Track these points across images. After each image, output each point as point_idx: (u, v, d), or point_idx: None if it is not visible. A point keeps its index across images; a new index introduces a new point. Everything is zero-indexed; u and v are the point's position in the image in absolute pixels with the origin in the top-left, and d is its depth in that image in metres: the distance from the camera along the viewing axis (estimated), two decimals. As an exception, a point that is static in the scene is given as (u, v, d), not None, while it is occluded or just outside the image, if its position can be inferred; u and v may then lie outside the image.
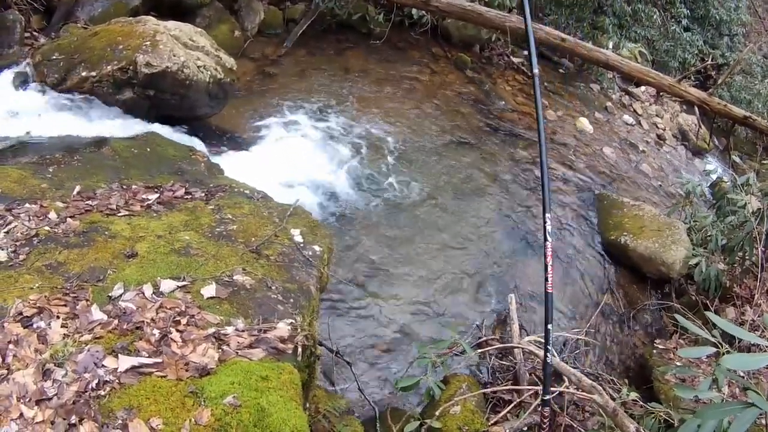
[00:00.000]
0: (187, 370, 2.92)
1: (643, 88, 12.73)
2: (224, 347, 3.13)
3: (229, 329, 3.26)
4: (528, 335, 6.48)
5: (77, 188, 4.42)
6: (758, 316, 7.18)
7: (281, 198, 5.02)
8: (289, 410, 2.90)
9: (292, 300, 3.70)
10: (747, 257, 7.56)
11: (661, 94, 12.35)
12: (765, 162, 10.61)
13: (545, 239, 4.47)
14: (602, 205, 8.72)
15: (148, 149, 5.35)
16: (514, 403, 5.72)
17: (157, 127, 6.31)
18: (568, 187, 8.88)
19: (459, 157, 8.64)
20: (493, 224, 7.82)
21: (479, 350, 5.94)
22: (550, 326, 4.26)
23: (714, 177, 11.11)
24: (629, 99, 12.50)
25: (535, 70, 4.39)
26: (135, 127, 6.18)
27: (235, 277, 3.69)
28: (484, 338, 6.38)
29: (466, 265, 7.15)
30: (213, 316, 3.30)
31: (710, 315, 3.46)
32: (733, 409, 2.99)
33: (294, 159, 7.48)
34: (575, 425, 5.75)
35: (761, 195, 7.72)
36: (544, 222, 4.42)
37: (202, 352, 3.04)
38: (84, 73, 6.19)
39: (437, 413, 5.24)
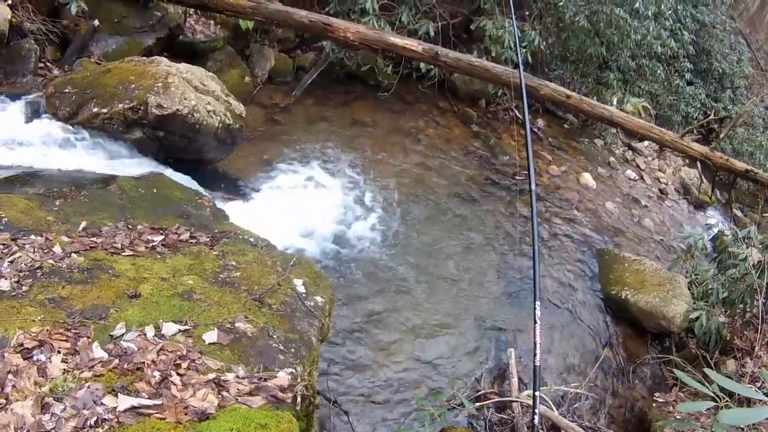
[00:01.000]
0: (186, 414, 2.87)
1: (646, 142, 12.79)
2: (224, 393, 3.08)
3: (230, 375, 3.22)
4: (527, 389, 6.49)
5: (83, 224, 4.40)
6: (758, 368, 7.15)
7: (283, 246, 5.04)
8: None
9: (293, 350, 3.69)
10: (748, 309, 7.54)
11: (664, 149, 12.42)
12: (766, 214, 10.64)
13: (534, 322, 4.74)
14: (603, 260, 8.73)
15: (155, 190, 5.32)
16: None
17: (165, 169, 6.35)
18: (569, 242, 8.92)
19: (463, 211, 8.70)
20: (494, 279, 7.84)
21: (478, 403, 5.94)
22: (537, 393, 4.42)
23: (715, 230, 11.11)
24: (632, 154, 12.58)
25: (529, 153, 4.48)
26: (143, 166, 6.20)
27: (237, 324, 3.67)
28: (483, 391, 6.38)
29: (466, 318, 7.17)
30: (214, 362, 3.27)
31: (707, 371, 3.46)
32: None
33: (298, 208, 7.53)
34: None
35: (762, 247, 7.72)
36: (534, 308, 4.69)
37: (202, 397, 3.00)
38: (95, 109, 6.23)
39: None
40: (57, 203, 4.65)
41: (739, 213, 12.19)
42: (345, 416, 5.57)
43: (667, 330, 7.82)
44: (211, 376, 3.15)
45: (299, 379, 3.46)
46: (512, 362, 6.44)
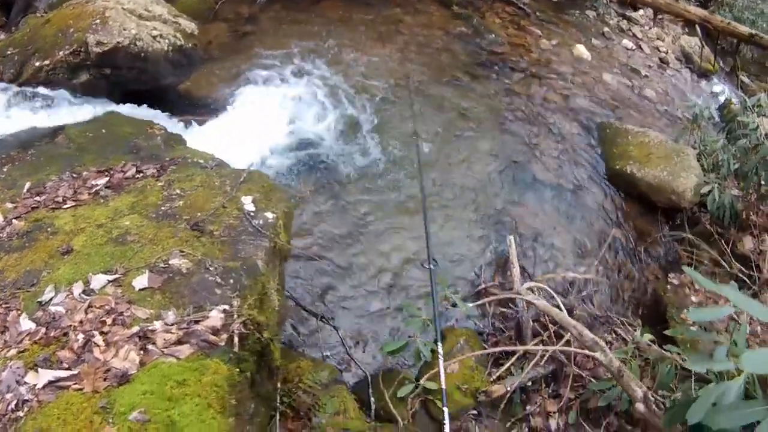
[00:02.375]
0: (105, 379, 2.64)
1: (641, 12, 11.86)
2: (150, 346, 2.81)
3: (158, 324, 2.91)
4: (530, 279, 5.83)
5: (27, 185, 4.07)
6: (779, 247, 6.53)
7: (250, 162, 4.56)
8: (203, 421, 2.61)
9: (231, 281, 3.27)
10: (763, 182, 6.85)
11: (660, 15, 11.50)
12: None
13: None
14: (605, 134, 7.97)
15: (104, 131, 4.88)
16: (518, 354, 5.10)
17: (120, 106, 5.94)
18: (567, 118, 8.13)
19: (450, 97, 7.90)
20: (488, 164, 7.13)
21: (477, 302, 5.30)
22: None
23: (722, 99, 10.31)
24: (627, 24, 11.59)
25: None
26: (97, 109, 5.80)
27: (171, 262, 3.27)
28: (483, 286, 5.73)
29: (459, 209, 6.51)
30: (143, 310, 2.97)
31: (706, 283, 2.97)
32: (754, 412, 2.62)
33: (267, 120, 6.85)
34: (584, 374, 5.14)
35: (773, 117, 7.01)
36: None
37: (124, 356, 2.75)
38: (38, 63, 5.92)
39: (432, 373, 4.65)
40: (5, 169, 4.39)
41: (746, 79, 11.29)
42: (335, 331, 5.07)
43: (677, 205, 7.14)
44: (135, 329, 2.88)
45: (236, 316, 3.04)
46: (512, 251, 5.77)
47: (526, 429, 4.90)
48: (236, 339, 2.98)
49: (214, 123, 6.61)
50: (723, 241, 6.65)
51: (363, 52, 8.35)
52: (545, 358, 5.11)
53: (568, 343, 5.06)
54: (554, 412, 5.00)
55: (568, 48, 9.63)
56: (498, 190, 6.85)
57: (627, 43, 10.63)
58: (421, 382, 4.65)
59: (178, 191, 3.92)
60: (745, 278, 6.28)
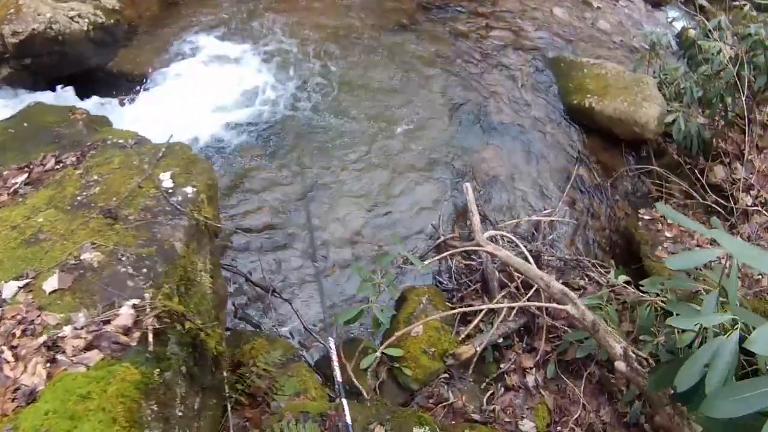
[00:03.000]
0: (14, 400, 2.36)
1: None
2: (59, 356, 2.48)
3: (67, 329, 2.56)
4: (492, 227, 5.42)
5: None
6: (751, 173, 6.16)
7: (169, 136, 3.98)
8: None
9: (145, 270, 2.90)
10: (729, 109, 6.49)
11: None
12: (736, 3, 9.32)
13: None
14: (559, 68, 7.57)
15: (26, 124, 4.41)
16: (485, 309, 4.68)
17: (46, 94, 5.66)
18: (518, 55, 7.70)
19: (393, 45, 7.44)
20: (439, 110, 6.70)
21: (435, 258, 4.87)
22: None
23: (679, 26, 9.90)
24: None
25: None
26: (24, 101, 5.38)
27: (83, 257, 2.90)
28: (443, 239, 5.30)
29: (410, 160, 6.07)
30: (53, 316, 2.63)
31: (686, 222, 2.86)
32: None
33: (199, 90, 6.36)
34: (559, 325, 4.76)
35: (736, 40, 6.62)
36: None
37: (32, 370, 2.44)
38: None
39: (395, 337, 4.26)
40: None
41: (704, 2, 10.84)
42: (288, 304, 4.70)
43: (641, 137, 6.78)
44: (44, 338, 2.55)
45: (148, 310, 2.69)
46: (470, 198, 5.34)
47: (502, 388, 4.52)
48: (150, 336, 2.60)
49: (144, 99, 6.19)
50: (693, 172, 6.30)
51: (301, 9, 7.84)
52: (514, 311, 4.71)
53: (538, 292, 4.67)
54: (530, 368, 4.63)
55: (515, -17, 9.12)
56: (451, 136, 6.45)
57: (576, -26, 10.16)
58: (381, 349, 4.25)
59: (95, 177, 3.51)
60: (719, 209, 5.93)
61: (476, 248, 4.79)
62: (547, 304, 4.45)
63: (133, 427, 2.37)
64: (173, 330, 2.79)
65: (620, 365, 3.69)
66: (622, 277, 4.76)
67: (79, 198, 3.33)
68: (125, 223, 3.12)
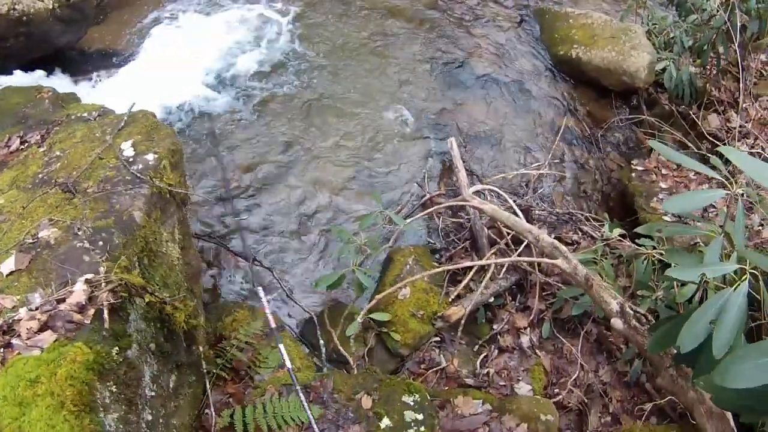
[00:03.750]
0: None
1: None
2: (14, 340, 2.30)
3: (23, 312, 2.36)
4: (480, 182, 5.11)
5: None
6: (746, 122, 5.85)
7: (131, 104, 3.68)
8: (52, 427, 2.07)
9: (101, 242, 2.65)
10: (723, 56, 6.17)
11: None
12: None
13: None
14: (544, 20, 7.22)
15: None
16: (475, 268, 4.39)
17: (13, 77, 5.35)
18: (500, 7, 7.33)
19: (371, 13, 6.96)
20: (420, 65, 6.39)
21: (419, 215, 4.55)
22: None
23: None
24: None
25: None
26: None
27: (40, 234, 2.69)
28: (429, 196, 4.99)
29: (393, 116, 5.78)
30: (10, 299, 2.44)
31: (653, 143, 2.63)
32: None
33: (171, 63, 5.98)
34: (552, 281, 4.47)
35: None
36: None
37: None
38: None
39: (376, 300, 3.97)
40: None
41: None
42: (269, 272, 4.44)
43: (631, 86, 6.44)
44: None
45: (103, 284, 2.43)
46: (454, 153, 5.05)
47: (496, 350, 4.24)
48: (105, 313, 2.35)
49: (117, 74, 5.89)
50: (686, 121, 6.00)
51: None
52: (504, 268, 4.42)
53: (528, 248, 4.37)
54: (525, 328, 4.37)
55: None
56: (434, 91, 6.13)
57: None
58: (364, 314, 3.95)
59: (57, 153, 3.31)
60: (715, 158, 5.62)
61: (462, 203, 4.51)
62: (538, 259, 4.16)
63: (84, 411, 2.13)
64: (134, 305, 2.54)
65: (617, 323, 3.42)
66: (617, 231, 4.49)
67: (40, 176, 3.13)
68: (84, 197, 2.88)
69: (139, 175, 2.98)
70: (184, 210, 3.41)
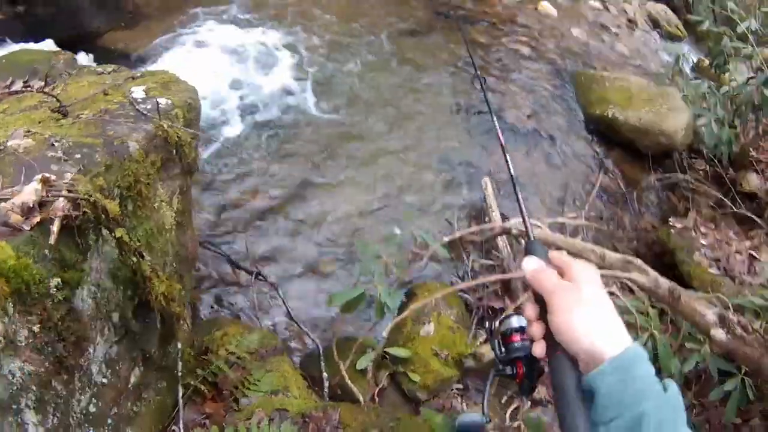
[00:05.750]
0: None
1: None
2: None
3: None
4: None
5: None
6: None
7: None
8: None
9: (79, 155, 2.03)
10: (763, 118, 5.69)
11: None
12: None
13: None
14: (580, 81, 6.69)
15: (4, 61, 3.74)
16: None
17: (38, 46, 4.84)
18: (537, 68, 6.84)
19: (406, 47, 6.56)
20: (454, 112, 5.86)
21: (447, 238, 3.89)
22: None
23: (694, 59, 9.08)
24: (592, -16, 10.37)
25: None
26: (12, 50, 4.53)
27: (9, 143, 2.07)
28: (459, 234, 4.38)
29: (425, 156, 5.21)
30: None
31: None
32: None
33: (197, 71, 5.24)
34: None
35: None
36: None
37: None
38: None
39: (391, 328, 3.36)
40: None
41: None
42: (274, 290, 3.80)
43: (668, 147, 5.89)
44: None
45: (65, 191, 1.78)
46: (489, 192, 4.48)
47: (528, 402, 3.57)
48: (56, 225, 1.71)
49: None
50: (723, 181, 5.47)
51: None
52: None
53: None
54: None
55: (533, 4, 8.31)
56: (467, 139, 5.55)
57: (593, 3, 9.38)
58: (390, 350, 3.31)
59: (58, 92, 2.66)
60: (755, 218, 5.07)
61: (505, 226, 3.86)
62: (610, 272, 3.49)
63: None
64: (100, 243, 1.92)
65: (718, 334, 2.71)
66: (664, 280, 3.87)
67: (31, 105, 2.59)
68: (76, 119, 2.32)
69: (146, 113, 2.40)
70: (189, 180, 2.80)
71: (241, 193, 4.41)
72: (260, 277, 3.77)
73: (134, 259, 1.97)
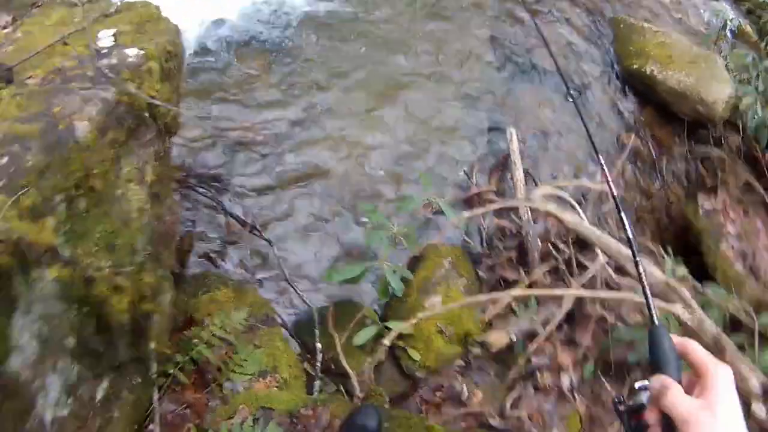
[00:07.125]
0: None
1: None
2: None
3: None
4: (537, 185, 3.96)
5: None
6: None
7: None
8: None
9: (6, 160, 1.52)
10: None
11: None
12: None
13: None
14: (619, 29, 5.99)
15: None
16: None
17: None
18: (573, 9, 6.12)
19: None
20: (483, 48, 5.16)
21: (468, 213, 3.34)
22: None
23: (735, 22, 8.35)
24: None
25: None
26: None
27: None
28: (476, 191, 3.84)
29: (444, 98, 4.56)
30: None
31: None
32: None
33: None
34: (606, 316, 3.35)
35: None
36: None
37: None
38: None
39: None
40: None
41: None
42: (269, 247, 3.26)
43: (705, 117, 5.23)
44: None
45: None
46: (513, 147, 3.92)
47: (532, 389, 3.12)
48: None
49: None
50: (758, 164, 4.98)
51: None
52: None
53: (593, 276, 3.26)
54: (568, 366, 3.22)
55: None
56: (494, 76, 4.92)
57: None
58: (391, 325, 2.78)
59: (20, 34, 2.22)
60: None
61: (526, 204, 3.34)
62: (623, 295, 3.01)
63: None
64: (31, 276, 1.46)
65: (758, 410, 2.25)
66: (682, 269, 3.39)
67: None
68: (21, 88, 1.78)
69: (107, 73, 1.83)
70: (168, 142, 2.24)
71: (235, 128, 3.78)
72: (255, 232, 3.23)
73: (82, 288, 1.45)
